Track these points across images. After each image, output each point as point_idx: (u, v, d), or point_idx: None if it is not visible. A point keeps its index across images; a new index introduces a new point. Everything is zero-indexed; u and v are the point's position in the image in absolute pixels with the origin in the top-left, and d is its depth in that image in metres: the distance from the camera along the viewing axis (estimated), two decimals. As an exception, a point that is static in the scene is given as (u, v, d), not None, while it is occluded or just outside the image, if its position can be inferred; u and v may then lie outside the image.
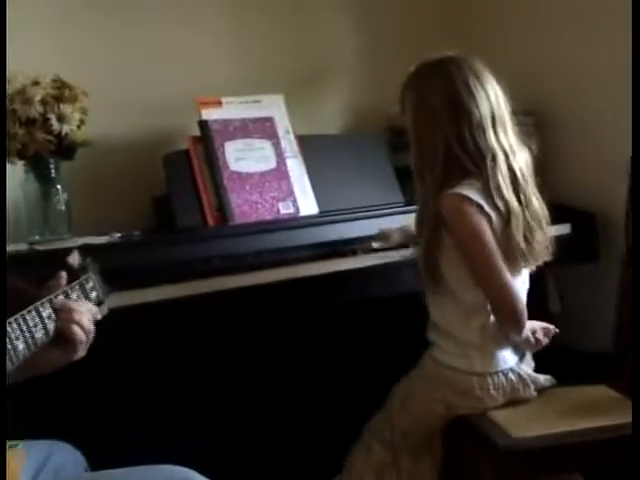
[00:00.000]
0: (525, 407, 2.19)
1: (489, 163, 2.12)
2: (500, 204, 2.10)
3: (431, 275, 2.15)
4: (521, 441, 2.03)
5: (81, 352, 1.59)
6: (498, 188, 2.11)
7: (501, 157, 2.14)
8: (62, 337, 1.54)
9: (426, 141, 2.18)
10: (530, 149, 2.23)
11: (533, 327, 2.22)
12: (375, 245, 2.44)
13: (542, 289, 2.91)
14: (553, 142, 2.95)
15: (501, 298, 2.10)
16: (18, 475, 1.54)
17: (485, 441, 2.08)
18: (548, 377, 2.26)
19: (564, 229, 2.72)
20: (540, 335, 2.23)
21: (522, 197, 2.15)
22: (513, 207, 2.12)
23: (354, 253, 2.42)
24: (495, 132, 2.15)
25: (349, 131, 3.08)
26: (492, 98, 2.16)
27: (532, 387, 2.21)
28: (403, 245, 2.42)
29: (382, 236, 2.46)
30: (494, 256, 2.08)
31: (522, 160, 2.19)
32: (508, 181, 2.13)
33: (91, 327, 1.59)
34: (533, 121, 2.91)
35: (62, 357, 1.58)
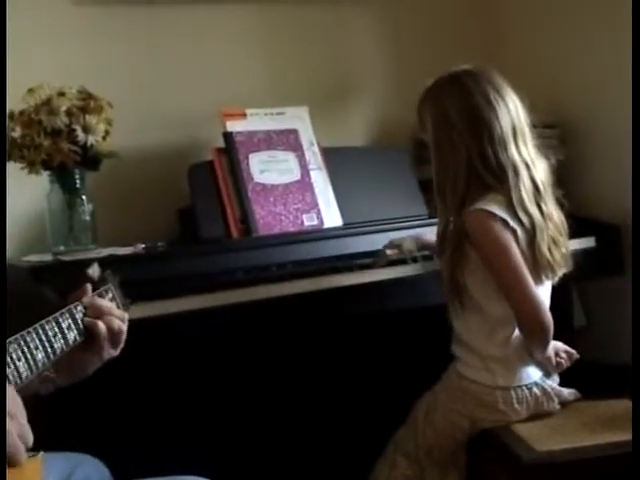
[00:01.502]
0: (549, 420, 2.18)
1: (511, 177, 2.12)
2: (524, 217, 2.10)
3: (455, 290, 2.15)
4: (545, 455, 2.01)
5: (111, 351, 1.59)
6: (522, 202, 2.11)
7: (523, 170, 2.14)
8: (89, 338, 1.55)
9: (447, 156, 2.17)
10: (549, 160, 2.23)
11: (557, 348, 2.21)
12: (389, 252, 2.43)
13: (567, 303, 2.90)
14: (578, 154, 2.94)
15: (529, 311, 2.08)
16: None
17: (509, 454, 2.07)
18: (572, 391, 2.25)
19: (589, 242, 2.70)
20: (563, 357, 2.22)
21: (544, 209, 2.15)
22: (537, 220, 2.12)
23: (370, 267, 2.40)
24: (516, 145, 2.15)
25: (373, 143, 3.07)
26: (512, 111, 2.16)
27: (556, 401, 2.20)
28: (424, 256, 2.41)
29: (393, 246, 2.44)
30: (521, 270, 2.07)
31: (542, 172, 2.19)
32: (531, 194, 2.13)
33: (123, 327, 1.59)
34: (558, 134, 2.91)
35: (92, 359, 1.59)
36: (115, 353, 1.60)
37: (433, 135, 2.21)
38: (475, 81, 2.16)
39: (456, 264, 2.13)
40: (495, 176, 2.12)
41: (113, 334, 1.57)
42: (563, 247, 2.19)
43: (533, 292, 2.08)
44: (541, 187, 2.16)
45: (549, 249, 2.14)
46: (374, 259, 2.41)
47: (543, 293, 2.16)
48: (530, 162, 2.16)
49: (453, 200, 2.16)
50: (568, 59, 3.00)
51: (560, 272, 2.20)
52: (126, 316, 1.63)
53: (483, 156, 2.12)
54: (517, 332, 2.14)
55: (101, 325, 1.55)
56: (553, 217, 2.18)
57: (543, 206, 2.15)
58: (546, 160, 2.22)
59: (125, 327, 1.60)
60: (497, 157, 2.12)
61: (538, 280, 2.14)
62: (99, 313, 1.56)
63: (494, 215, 2.07)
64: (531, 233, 2.11)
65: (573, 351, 2.25)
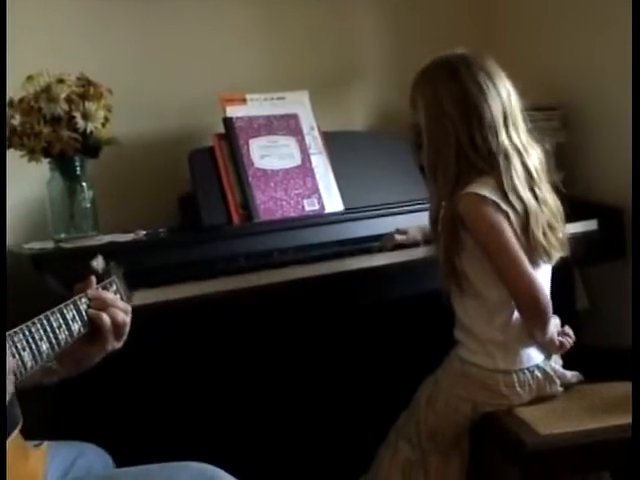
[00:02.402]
0: (552, 404, 2.18)
1: (502, 162, 2.12)
2: (516, 202, 2.10)
3: (452, 275, 2.16)
4: (548, 438, 2.01)
5: (115, 343, 1.60)
6: (514, 187, 2.11)
7: (515, 156, 2.14)
8: (93, 330, 1.55)
9: (439, 140, 2.17)
10: (543, 146, 2.23)
11: (559, 328, 2.21)
12: (398, 237, 2.42)
13: (569, 286, 2.89)
14: (579, 137, 2.93)
15: (524, 291, 2.08)
16: (40, 475, 1.55)
17: (512, 438, 2.07)
18: (575, 373, 2.25)
19: (591, 225, 2.70)
20: (569, 334, 2.22)
21: (538, 194, 2.15)
22: (530, 205, 2.12)
23: (373, 251, 2.40)
24: (507, 131, 2.16)
25: (373, 128, 3.07)
26: (504, 96, 2.15)
27: (558, 383, 2.20)
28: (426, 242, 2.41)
29: (399, 233, 2.45)
30: (515, 250, 2.08)
31: (535, 157, 2.19)
32: (523, 179, 2.14)
33: (126, 319, 1.60)
34: (559, 116, 2.90)
35: (96, 351, 1.60)
36: (118, 345, 1.61)
37: (425, 119, 2.21)
38: (467, 66, 2.16)
39: (451, 249, 2.14)
40: (486, 161, 2.13)
41: (117, 326, 1.58)
42: (560, 232, 2.20)
43: (528, 272, 2.08)
44: (534, 173, 2.16)
45: (544, 234, 2.14)
46: (381, 242, 2.41)
47: (541, 276, 2.16)
48: (522, 148, 2.16)
49: (445, 184, 2.16)
50: (569, 41, 2.99)
51: (556, 256, 2.20)
52: (129, 308, 1.64)
53: (473, 141, 2.13)
54: (516, 315, 2.14)
55: (105, 317, 1.56)
56: (548, 202, 2.18)
57: (537, 191, 2.16)
58: (541, 146, 2.22)
59: (129, 320, 1.62)
60: (487, 143, 2.13)
61: (534, 264, 2.13)
62: (103, 305, 1.57)
63: (485, 198, 2.07)
64: (524, 218, 2.11)
65: (570, 331, 2.25)
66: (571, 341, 2.22)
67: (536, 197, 2.14)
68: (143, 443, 2.19)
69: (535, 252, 2.13)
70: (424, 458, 2.21)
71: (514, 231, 2.09)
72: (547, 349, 2.20)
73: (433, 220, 2.23)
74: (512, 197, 2.10)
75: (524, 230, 2.11)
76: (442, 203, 2.18)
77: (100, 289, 1.61)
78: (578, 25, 2.94)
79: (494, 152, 2.12)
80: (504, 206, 2.08)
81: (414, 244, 2.43)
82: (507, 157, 2.12)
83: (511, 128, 2.16)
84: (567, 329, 2.24)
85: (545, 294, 2.11)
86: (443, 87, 2.16)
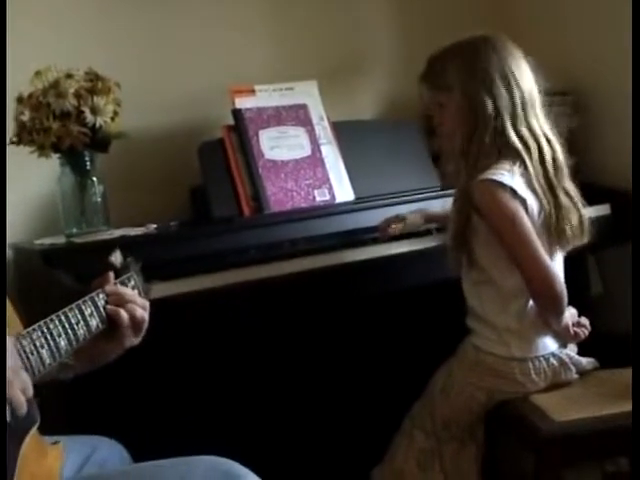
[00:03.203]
0: (567, 390, 2.17)
1: (522, 148, 2.11)
2: (536, 188, 2.09)
3: (465, 261, 2.15)
4: (564, 425, 2.01)
5: (133, 339, 1.60)
6: (531, 173, 2.10)
7: (532, 143, 2.13)
8: (110, 327, 1.55)
9: (476, 119, 2.13)
10: (561, 131, 2.21)
11: (574, 317, 2.20)
12: (393, 226, 2.41)
13: (583, 271, 2.88)
14: (591, 122, 2.91)
15: (539, 279, 2.07)
16: (57, 472, 1.55)
17: (527, 426, 2.06)
18: (591, 360, 2.24)
19: (604, 210, 2.69)
20: (585, 324, 2.21)
21: (556, 181, 2.14)
22: (548, 192, 2.11)
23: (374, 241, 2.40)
24: (526, 117, 2.14)
25: (383, 117, 3.06)
26: (524, 84, 2.14)
27: (574, 370, 2.20)
28: (437, 228, 2.41)
29: (397, 220, 2.42)
30: (531, 238, 2.07)
31: (555, 143, 2.18)
32: (540, 166, 2.12)
33: (145, 315, 1.60)
34: (570, 101, 2.88)
35: (113, 348, 1.60)
36: (136, 342, 1.61)
37: (462, 96, 2.15)
38: (505, 49, 2.15)
39: (464, 233, 2.13)
40: (507, 146, 2.11)
41: (135, 322, 1.58)
42: (577, 218, 2.18)
43: (544, 260, 2.07)
44: (552, 160, 2.15)
45: (564, 221, 2.13)
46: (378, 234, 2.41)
47: (556, 264, 2.15)
48: (541, 134, 2.15)
49: (466, 168, 2.14)
50: (580, 25, 2.97)
51: (575, 243, 2.19)
52: (147, 304, 1.64)
53: (493, 126, 2.11)
54: (531, 303, 2.13)
55: (123, 313, 1.55)
56: (567, 189, 2.17)
57: (555, 178, 2.14)
58: (558, 132, 2.20)
59: (147, 316, 1.61)
60: (505, 128, 2.11)
61: (552, 252, 2.13)
62: (121, 301, 1.57)
63: (502, 185, 2.06)
64: (544, 205, 2.10)
65: (586, 322, 2.23)
66: (586, 332, 2.21)
67: (553, 184, 2.13)
68: (159, 436, 2.20)
69: (554, 239, 2.12)
70: (439, 447, 2.21)
71: (532, 219, 2.08)
72: (562, 338, 2.19)
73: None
74: (534, 184, 2.09)
75: (543, 217, 2.11)
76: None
77: (118, 285, 1.61)
78: (592, 9, 2.91)
79: (512, 138, 2.11)
80: (521, 192, 2.07)
81: (414, 230, 2.41)
82: (526, 144, 2.11)
83: (530, 114, 2.14)
84: (583, 320, 2.22)
85: (561, 282, 2.09)
86: (489, 65, 2.12)
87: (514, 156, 2.11)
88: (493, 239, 2.09)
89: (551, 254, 2.13)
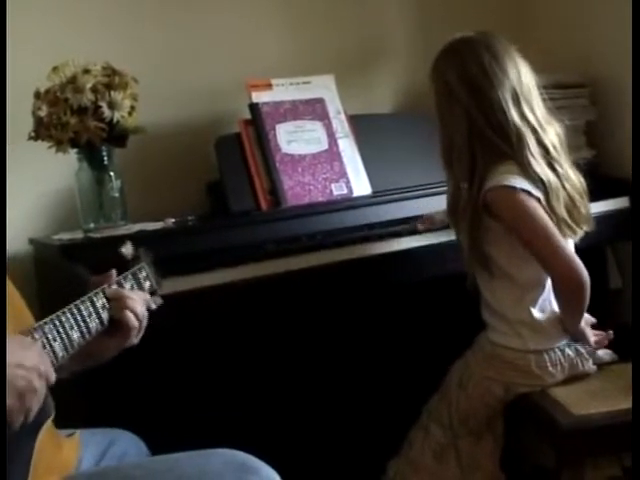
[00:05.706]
0: (586, 383, 2.17)
1: (516, 142, 2.11)
2: (537, 179, 2.10)
3: (481, 260, 2.15)
4: (583, 419, 2.01)
5: (134, 340, 1.61)
6: (529, 165, 2.10)
7: (529, 134, 2.13)
8: (115, 325, 1.56)
9: (450, 127, 2.18)
10: (562, 121, 2.21)
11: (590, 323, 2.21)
12: (421, 227, 2.42)
13: (602, 265, 2.87)
14: (609, 114, 2.89)
15: (567, 273, 2.07)
16: (73, 464, 1.56)
17: (546, 419, 2.06)
18: (608, 351, 2.25)
19: (623, 202, 2.67)
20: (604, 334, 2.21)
21: (558, 169, 2.14)
22: (550, 181, 2.11)
23: (399, 235, 2.39)
24: (519, 110, 2.13)
25: (399, 110, 3.05)
26: (512, 76, 2.14)
27: (591, 361, 2.20)
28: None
29: (426, 220, 2.44)
30: (555, 234, 2.07)
31: (552, 133, 2.18)
32: (539, 156, 2.12)
33: (145, 313, 1.61)
34: (588, 93, 2.87)
35: (115, 345, 1.60)
36: (136, 341, 1.62)
37: (436, 105, 2.22)
38: (471, 49, 2.16)
39: (477, 236, 2.13)
40: (499, 144, 2.12)
41: (140, 322, 1.59)
42: (582, 207, 2.18)
43: (568, 251, 2.09)
44: (551, 149, 2.15)
45: (566, 209, 2.13)
46: (418, 222, 2.43)
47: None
48: (537, 125, 2.15)
49: (461, 170, 2.16)
50: (598, 17, 2.95)
51: (580, 231, 2.19)
52: (148, 297, 1.65)
53: (485, 125, 2.12)
54: (545, 295, 2.15)
55: (130, 315, 1.57)
56: (570, 177, 2.17)
57: (557, 167, 2.15)
58: (559, 122, 2.20)
59: (147, 314, 1.62)
60: (500, 125, 2.11)
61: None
62: (124, 304, 1.58)
63: (515, 188, 2.06)
64: (545, 193, 2.10)
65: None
66: (606, 342, 2.22)
67: (556, 173, 2.13)
68: (176, 430, 2.21)
69: (559, 227, 2.12)
70: (456, 440, 2.21)
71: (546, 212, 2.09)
72: (580, 339, 2.19)
73: (451, 206, 2.23)
74: (533, 175, 2.09)
75: (546, 206, 2.10)
76: (463, 185, 2.17)
77: (119, 287, 1.62)
78: (609, 1, 2.89)
79: (507, 133, 2.11)
80: (533, 191, 2.08)
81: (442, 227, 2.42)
82: (520, 137, 2.11)
83: (524, 106, 2.14)
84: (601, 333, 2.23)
85: (585, 274, 2.08)
86: (450, 73, 2.16)
87: (507, 155, 2.11)
88: (507, 237, 2.10)
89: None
